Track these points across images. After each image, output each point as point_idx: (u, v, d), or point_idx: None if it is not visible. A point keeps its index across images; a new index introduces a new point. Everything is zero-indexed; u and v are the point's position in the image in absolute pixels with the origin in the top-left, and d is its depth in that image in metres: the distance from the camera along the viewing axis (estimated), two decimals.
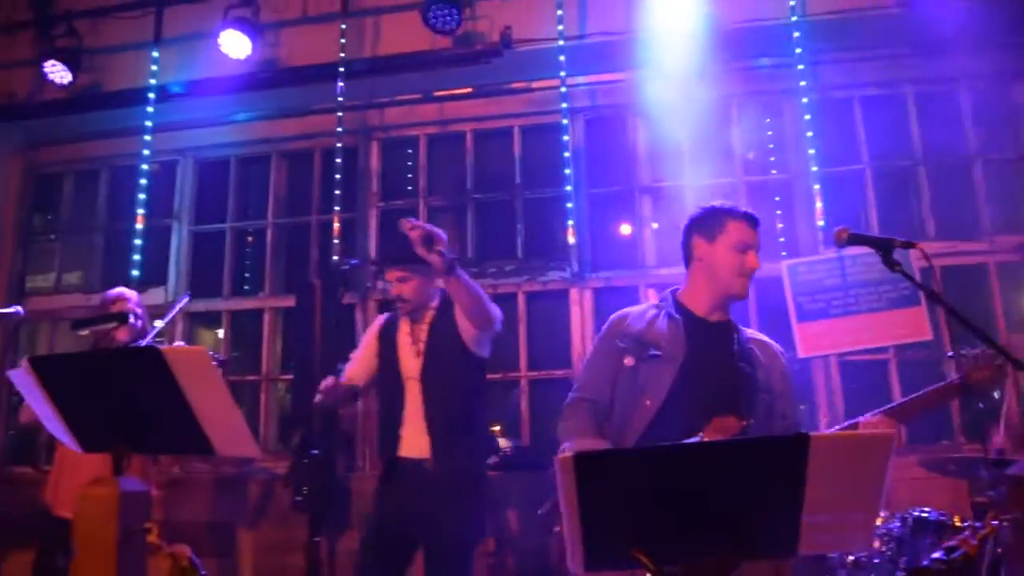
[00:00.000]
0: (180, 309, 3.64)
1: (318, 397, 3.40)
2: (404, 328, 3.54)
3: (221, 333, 5.87)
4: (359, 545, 3.54)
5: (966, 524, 1.71)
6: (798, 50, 4.90)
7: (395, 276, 3.50)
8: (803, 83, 4.92)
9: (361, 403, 5.23)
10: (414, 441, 3.38)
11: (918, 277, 4.11)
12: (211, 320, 5.99)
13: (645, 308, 2.78)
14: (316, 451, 4.41)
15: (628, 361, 2.61)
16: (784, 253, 4.96)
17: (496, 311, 3.34)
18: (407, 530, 3.34)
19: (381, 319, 3.69)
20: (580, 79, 5.30)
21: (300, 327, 4.84)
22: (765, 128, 5.33)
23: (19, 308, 3.68)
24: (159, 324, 3.57)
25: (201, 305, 5.78)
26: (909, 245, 2.36)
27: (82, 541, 1.96)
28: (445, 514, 3.27)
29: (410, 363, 3.47)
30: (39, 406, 2.65)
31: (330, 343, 4.61)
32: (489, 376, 4.75)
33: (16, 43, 6.25)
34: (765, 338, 2.72)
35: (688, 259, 2.72)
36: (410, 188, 5.63)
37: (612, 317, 2.78)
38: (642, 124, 5.29)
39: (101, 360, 2.39)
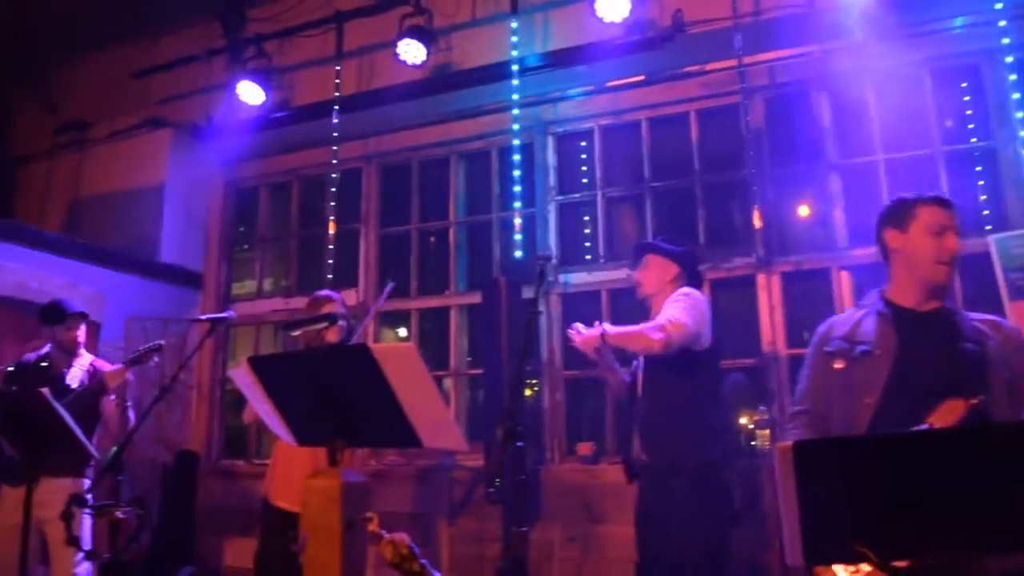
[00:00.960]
0: (387, 295, 3.82)
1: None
2: None
3: (403, 331, 6.09)
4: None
5: None
6: (998, 5, 4.54)
7: (642, 261, 3.70)
8: (1005, 40, 4.56)
9: (548, 396, 5.30)
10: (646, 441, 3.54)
11: None
12: (398, 319, 6.23)
13: (850, 312, 2.71)
14: (521, 444, 4.47)
15: (838, 365, 2.54)
16: (990, 227, 4.61)
17: (662, 334, 3.30)
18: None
19: None
20: (757, 57, 5.12)
21: (486, 322, 4.95)
22: (963, 93, 4.97)
23: (231, 312, 3.96)
24: (372, 309, 3.77)
25: (390, 305, 6.02)
26: None
27: (309, 529, 2.08)
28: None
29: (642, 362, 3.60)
30: (257, 402, 2.84)
31: (516, 337, 4.69)
32: None
33: (212, 69, 6.73)
34: (997, 318, 2.55)
35: (885, 255, 2.64)
36: (586, 180, 5.62)
37: (819, 327, 2.73)
38: (826, 98, 5.06)
39: (315, 359, 2.52)
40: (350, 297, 6.07)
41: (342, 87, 6.06)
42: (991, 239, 4.39)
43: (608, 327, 3.38)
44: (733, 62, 5.07)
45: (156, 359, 3.90)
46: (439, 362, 5.71)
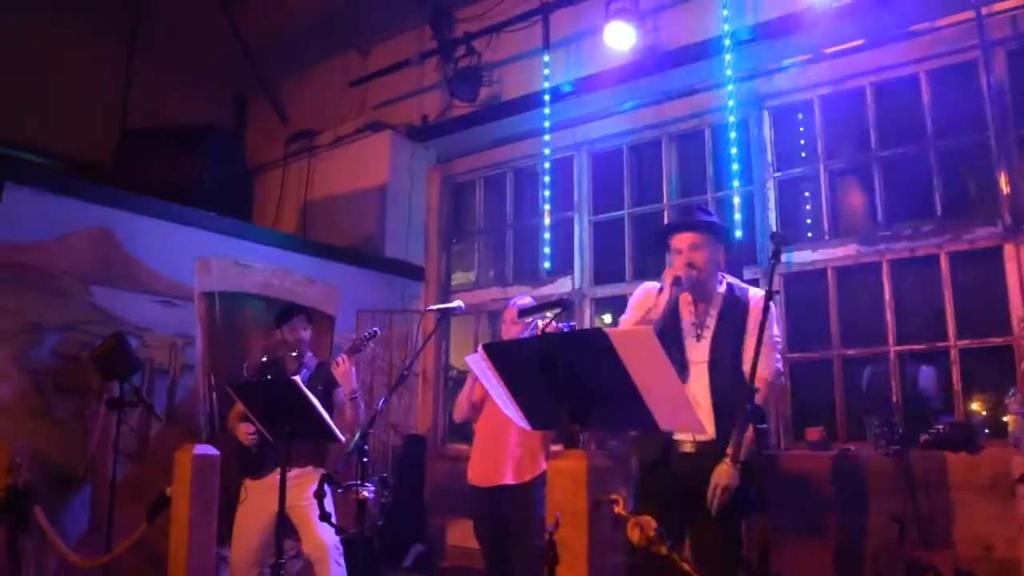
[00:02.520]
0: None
1: None
2: (687, 310, 3.41)
3: (608, 318, 6.10)
4: None
5: None
6: None
7: (687, 242, 3.34)
8: None
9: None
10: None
11: None
12: (614, 304, 6.24)
13: None
14: (764, 425, 4.38)
15: None
16: None
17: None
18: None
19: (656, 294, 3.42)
20: (996, 7, 4.69)
21: None
22: None
23: (460, 303, 4.10)
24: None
25: (606, 291, 6.06)
26: None
27: (557, 509, 2.13)
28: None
29: (693, 347, 3.36)
30: (492, 387, 2.93)
31: None
32: (904, 347, 4.45)
33: (425, 71, 7.00)
34: None
35: None
36: (804, 155, 5.38)
37: None
38: None
39: (549, 344, 2.56)
40: (566, 285, 6.16)
41: (551, 77, 6.13)
42: None
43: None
44: (969, 14, 4.68)
45: (372, 345, 4.12)
46: None
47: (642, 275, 5.91)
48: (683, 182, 5.94)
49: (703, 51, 5.45)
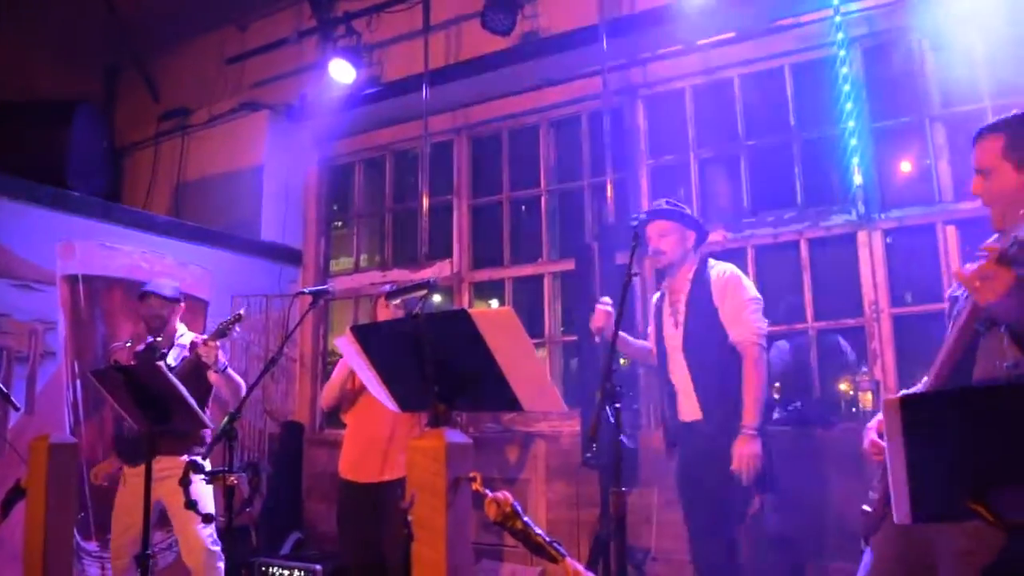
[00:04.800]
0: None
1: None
2: (665, 299, 3.78)
3: (495, 302, 6.16)
4: None
5: None
6: None
7: (655, 231, 3.68)
8: None
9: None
10: (687, 407, 3.62)
11: None
12: (492, 288, 6.29)
13: None
14: (618, 405, 4.50)
15: None
16: None
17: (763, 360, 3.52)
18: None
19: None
20: (854, 6, 4.92)
21: (581, 289, 4.96)
22: None
23: (328, 286, 4.08)
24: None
25: (485, 274, 6.10)
26: None
27: (416, 487, 2.14)
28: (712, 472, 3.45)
29: (672, 334, 3.69)
30: (361, 370, 2.92)
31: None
32: (774, 328, 4.64)
33: (304, 50, 6.86)
34: None
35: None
36: (679, 143, 5.54)
37: None
38: (929, 46, 4.84)
39: (416, 326, 2.57)
40: (445, 269, 6.17)
41: (431, 60, 6.11)
42: None
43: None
44: (828, 12, 4.90)
45: (238, 329, 4.05)
46: (533, 330, 5.76)
47: (520, 260, 5.99)
48: (561, 168, 6.02)
49: (580, 39, 5.52)
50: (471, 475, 2.13)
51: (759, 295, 3.66)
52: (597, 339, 3.78)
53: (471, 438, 2.22)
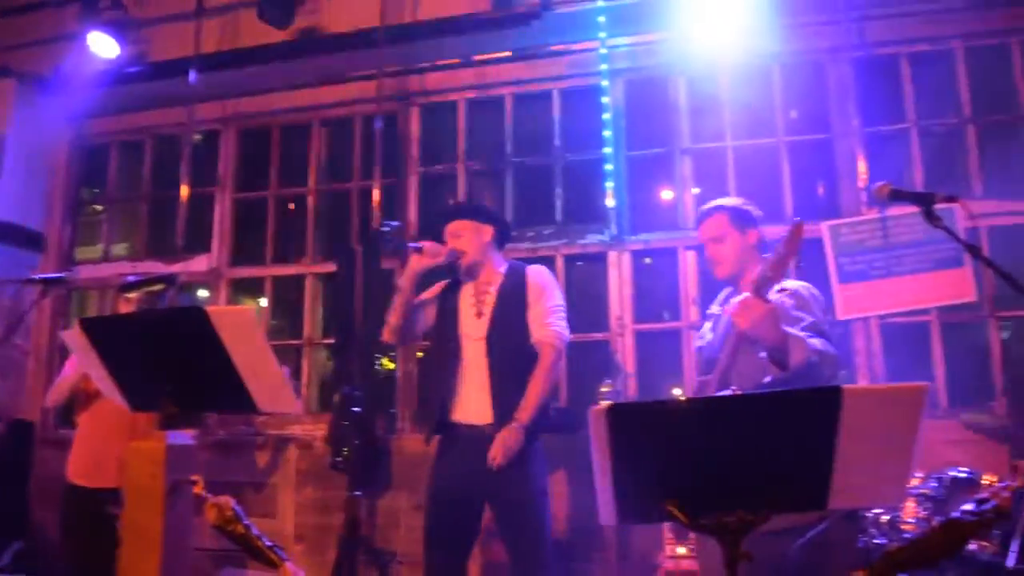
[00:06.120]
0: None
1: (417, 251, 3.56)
2: (468, 291, 3.65)
3: (261, 301, 5.98)
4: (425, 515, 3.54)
5: (1002, 483, 1.70)
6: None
7: (450, 231, 3.64)
8: (850, 40, 4.86)
9: (401, 365, 5.31)
10: (473, 404, 3.46)
11: (963, 237, 4.05)
12: (253, 287, 6.09)
13: None
14: (358, 409, 4.49)
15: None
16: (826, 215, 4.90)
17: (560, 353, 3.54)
18: (472, 493, 3.44)
19: (443, 283, 3.79)
20: (620, 40, 5.23)
21: (341, 291, 4.92)
22: (809, 87, 5.23)
23: (67, 274, 3.79)
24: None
25: (244, 271, 5.89)
26: (952, 200, 2.33)
27: (132, 492, 2.04)
28: (513, 473, 3.33)
29: (472, 324, 3.55)
30: (91, 366, 2.74)
31: (372, 307, 4.68)
32: None
33: (64, 17, 6.35)
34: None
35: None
36: (450, 153, 5.63)
37: None
38: (684, 84, 5.23)
39: (150, 321, 2.45)
40: (201, 264, 5.90)
41: (202, 45, 5.84)
42: (825, 225, 4.68)
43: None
44: (596, 43, 5.17)
45: None
46: (293, 331, 5.63)
47: (284, 258, 5.85)
48: (332, 168, 5.94)
49: (359, 41, 5.48)
50: (192, 478, 2.05)
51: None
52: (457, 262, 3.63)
53: (220, 442, 2.13)
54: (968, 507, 1.61)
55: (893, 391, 1.73)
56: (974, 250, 2.29)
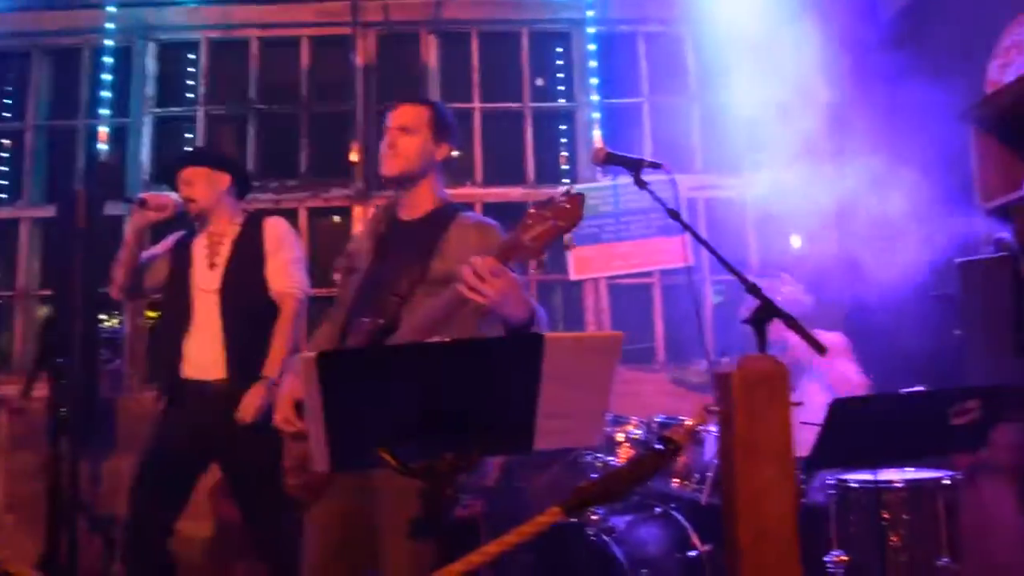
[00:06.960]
0: None
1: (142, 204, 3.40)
2: (201, 242, 3.47)
3: None
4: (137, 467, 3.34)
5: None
6: None
7: (183, 178, 3.45)
8: (590, 13, 5.08)
9: (128, 321, 5.00)
10: (205, 359, 3.32)
11: (686, 207, 4.41)
12: None
13: None
14: (73, 368, 4.17)
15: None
16: (566, 180, 5.13)
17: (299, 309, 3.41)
18: (196, 450, 3.31)
19: (177, 234, 3.60)
20: None
21: (61, 238, 4.53)
22: (555, 57, 5.43)
23: None
24: None
25: None
26: (656, 166, 2.51)
27: None
28: (243, 435, 3.19)
29: (205, 276, 3.39)
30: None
31: (95, 256, 4.33)
32: None
33: None
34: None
35: None
36: (190, 95, 5.31)
37: None
38: (436, 43, 5.25)
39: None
40: None
41: None
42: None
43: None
44: None
45: None
46: (7, 282, 5.13)
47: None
48: (55, 104, 5.40)
49: None
50: None
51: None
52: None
53: None
54: (658, 446, 1.76)
55: (591, 339, 1.85)
56: (674, 214, 2.47)
